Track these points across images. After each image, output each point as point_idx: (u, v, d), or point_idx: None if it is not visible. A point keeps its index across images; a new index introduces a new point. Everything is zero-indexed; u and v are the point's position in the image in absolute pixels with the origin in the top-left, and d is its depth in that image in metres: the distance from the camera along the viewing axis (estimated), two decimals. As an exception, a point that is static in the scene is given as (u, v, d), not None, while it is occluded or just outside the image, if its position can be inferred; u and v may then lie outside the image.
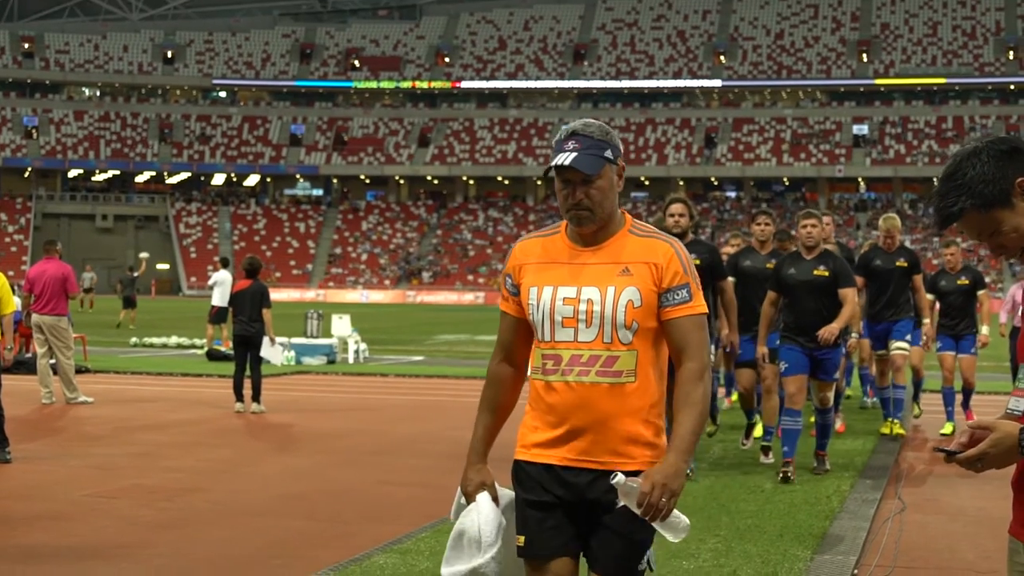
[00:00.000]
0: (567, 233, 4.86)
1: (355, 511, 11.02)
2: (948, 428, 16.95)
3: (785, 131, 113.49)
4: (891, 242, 16.06)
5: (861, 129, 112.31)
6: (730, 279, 13.40)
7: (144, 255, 48.50)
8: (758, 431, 14.96)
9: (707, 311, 4.81)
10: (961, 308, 16.93)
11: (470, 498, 4.87)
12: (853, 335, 14.09)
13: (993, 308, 68.78)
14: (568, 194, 4.75)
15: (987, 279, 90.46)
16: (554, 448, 4.74)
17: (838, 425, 16.13)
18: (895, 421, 16.27)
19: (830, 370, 12.86)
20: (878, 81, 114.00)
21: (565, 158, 4.71)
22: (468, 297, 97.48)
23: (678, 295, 4.70)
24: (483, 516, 4.79)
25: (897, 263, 16.00)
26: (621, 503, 4.56)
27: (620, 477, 4.51)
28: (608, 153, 4.78)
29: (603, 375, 4.67)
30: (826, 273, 12.63)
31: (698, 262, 11.85)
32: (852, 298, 12.68)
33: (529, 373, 4.90)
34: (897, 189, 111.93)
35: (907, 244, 16.70)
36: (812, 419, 13.95)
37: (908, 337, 16.21)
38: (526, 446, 4.83)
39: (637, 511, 4.52)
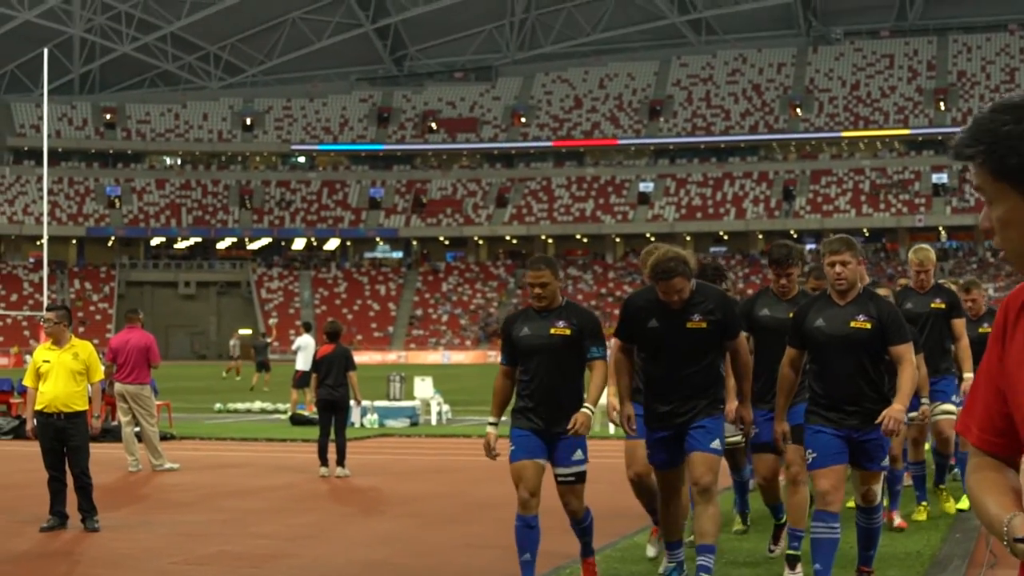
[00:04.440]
0: None
1: (441, 574, 10.98)
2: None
3: (864, 182, 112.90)
4: (925, 278, 13.33)
5: (940, 178, 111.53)
6: (743, 335, 10.02)
7: (273, 321, 49.66)
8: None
9: None
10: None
11: None
12: (923, 402, 11.71)
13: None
14: None
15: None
16: None
17: (898, 521, 12.76)
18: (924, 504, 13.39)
19: (876, 455, 9.45)
20: (956, 129, 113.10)
21: None
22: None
23: None
24: None
25: (932, 305, 13.25)
26: None
27: None
28: None
29: None
30: (868, 325, 9.30)
31: (704, 325, 9.46)
32: (910, 358, 9.33)
33: None
34: (979, 237, 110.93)
35: (942, 283, 13.85)
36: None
37: (955, 398, 13.32)
38: None
39: None
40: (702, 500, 9.47)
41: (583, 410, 9.45)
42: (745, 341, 9.75)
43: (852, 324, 9.26)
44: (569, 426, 9.34)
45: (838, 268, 9.31)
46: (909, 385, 9.18)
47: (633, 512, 12.22)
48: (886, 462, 9.50)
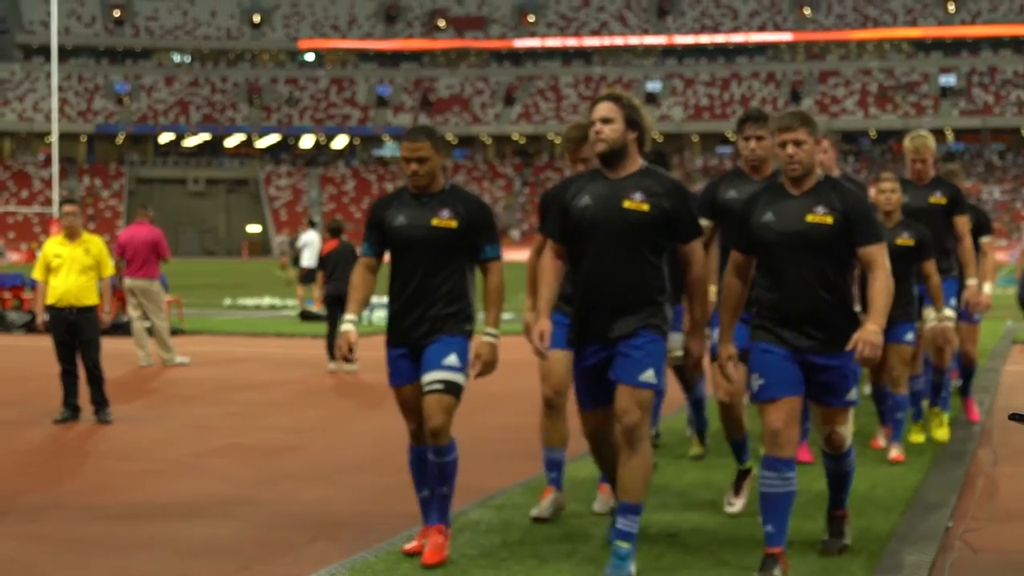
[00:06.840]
0: None
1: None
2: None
3: (871, 83, 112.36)
4: (922, 168, 11.68)
5: (948, 80, 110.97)
6: (705, 222, 8.44)
7: (310, 218, 50.70)
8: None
9: None
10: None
11: None
12: (947, 311, 10.62)
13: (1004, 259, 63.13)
14: None
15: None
16: None
17: (894, 453, 10.76)
18: (942, 413, 11.83)
19: (841, 387, 7.33)
20: (965, 31, 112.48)
21: None
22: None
23: None
24: None
25: (931, 199, 11.59)
26: None
27: None
28: None
29: None
30: (829, 219, 7.19)
31: (645, 208, 7.16)
32: (883, 263, 7.19)
33: None
34: (985, 140, 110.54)
35: (941, 176, 12.00)
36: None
37: (953, 302, 11.71)
38: None
39: None
40: (626, 445, 7.17)
41: (486, 340, 7.57)
42: (702, 250, 7.35)
43: (808, 218, 7.19)
44: (472, 368, 7.58)
45: (790, 148, 7.22)
46: (883, 298, 7.10)
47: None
48: (854, 396, 7.35)
